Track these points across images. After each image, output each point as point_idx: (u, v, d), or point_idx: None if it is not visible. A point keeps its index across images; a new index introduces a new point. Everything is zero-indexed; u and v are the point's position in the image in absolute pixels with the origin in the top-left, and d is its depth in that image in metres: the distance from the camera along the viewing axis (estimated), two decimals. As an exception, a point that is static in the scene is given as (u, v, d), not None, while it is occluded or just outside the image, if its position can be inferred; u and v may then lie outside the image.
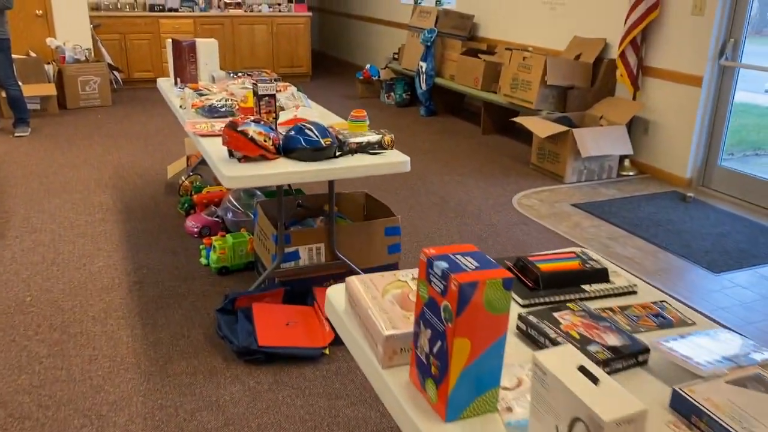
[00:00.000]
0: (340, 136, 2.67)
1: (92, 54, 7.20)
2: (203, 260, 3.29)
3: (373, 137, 2.72)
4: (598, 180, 4.81)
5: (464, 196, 4.40)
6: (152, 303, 2.93)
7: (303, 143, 2.50)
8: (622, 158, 4.92)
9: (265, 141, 2.46)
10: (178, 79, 3.82)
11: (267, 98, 2.71)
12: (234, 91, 3.38)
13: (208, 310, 2.87)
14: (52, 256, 3.37)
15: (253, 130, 2.44)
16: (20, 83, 6.34)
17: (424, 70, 6.67)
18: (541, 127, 4.67)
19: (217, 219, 3.65)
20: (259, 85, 2.68)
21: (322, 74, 9.52)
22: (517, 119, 4.88)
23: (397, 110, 7.20)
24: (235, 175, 2.34)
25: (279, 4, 8.74)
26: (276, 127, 2.80)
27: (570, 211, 4.18)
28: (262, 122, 2.49)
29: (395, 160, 2.60)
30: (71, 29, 7.21)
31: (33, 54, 6.91)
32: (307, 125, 2.55)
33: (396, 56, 7.84)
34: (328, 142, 2.52)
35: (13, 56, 6.65)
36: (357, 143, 2.67)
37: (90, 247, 3.49)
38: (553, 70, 5.01)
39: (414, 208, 4.18)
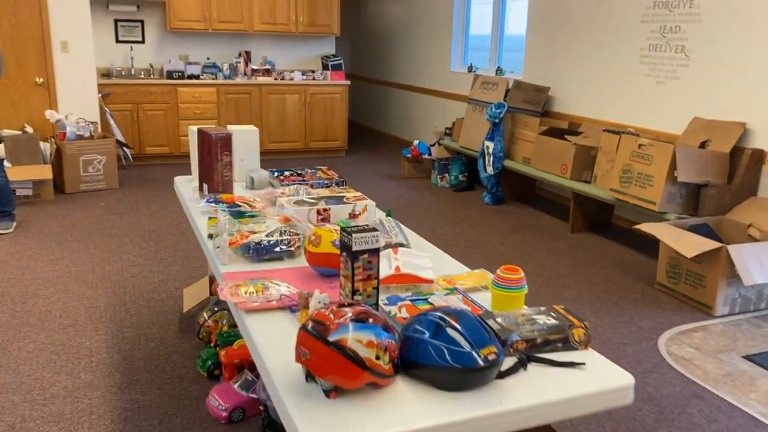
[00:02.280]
0: (497, 328, 1.51)
1: (98, 128, 6.18)
2: (237, 482, 2.09)
3: (550, 323, 1.55)
4: (756, 311, 3.60)
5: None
6: None
7: (448, 359, 1.33)
8: (780, 279, 3.72)
9: (377, 358, 1.30)
10: (205, 186, 2.71)
11: (367, 256, 1.56)
12: (289, 214, 2.24)
13: None
14: (2, 468, 2.18)
15: (353, 338, 1.28)
16: (9, 165, 5.30)
17: (491, 151, 5.58)
18: (682, 241, 3.50)
19: (255, 397, 2.47)
20: (354, 235, 1.54)
21: (356, 148, 8.48)
22: (645, 227, 3.71)
23: (454, 196, 6.08)
24: (329, 445, 1.16)
25: (313, 72, 7.77)
26: (378, 301, 1.64)
27: (747, 369, 2.96)
28: (370, 319, 1.33)
29: (609, 385, 1.40)
30: (76, 100, 6.21)
31: (29, 129, 5.88)
32: (448, 317, 1.38)
33: (449, 131, 6.78)
34: (493, 356, 1.35)
35: (4, 132, 5.63)
36: (527, 342, 1.50)
37: (64, 444, 2.30)
38: (685, 163, 3.88)
39: (527, 362, 2.97)
